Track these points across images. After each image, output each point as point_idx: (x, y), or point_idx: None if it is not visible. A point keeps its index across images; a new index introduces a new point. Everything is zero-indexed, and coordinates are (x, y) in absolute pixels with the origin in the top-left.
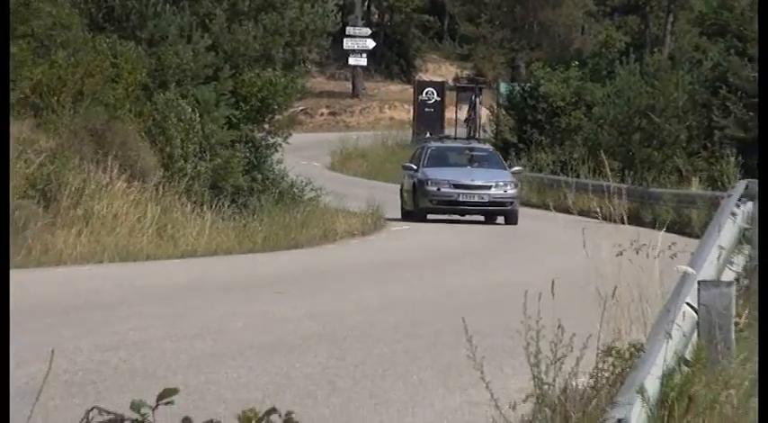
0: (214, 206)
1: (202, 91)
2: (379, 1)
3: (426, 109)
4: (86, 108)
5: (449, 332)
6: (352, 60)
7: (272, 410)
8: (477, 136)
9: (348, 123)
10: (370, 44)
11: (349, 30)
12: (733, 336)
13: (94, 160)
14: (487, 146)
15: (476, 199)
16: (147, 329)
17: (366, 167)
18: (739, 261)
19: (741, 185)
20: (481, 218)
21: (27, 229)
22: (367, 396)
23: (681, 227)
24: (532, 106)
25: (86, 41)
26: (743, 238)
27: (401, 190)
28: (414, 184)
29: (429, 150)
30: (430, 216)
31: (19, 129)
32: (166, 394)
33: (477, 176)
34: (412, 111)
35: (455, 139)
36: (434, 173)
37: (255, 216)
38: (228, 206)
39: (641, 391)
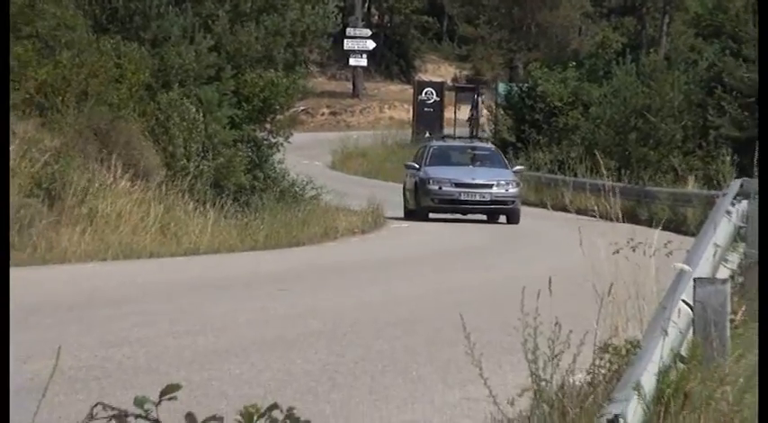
0: (216, 204)
1: (206, 91)
2: (379, 2)
3: (426, 109)
4: (90, 108)
5: (448, 329)
6: (352, 61)
7: (274, 406)
8: (478, 135)
9: (348, 123)
10: (371, 45)
11: (349, 31)
12: (728, 333)
13: (98, 159)
14: (490, 145)
15: (477, 198)
16: (150, 326)
17: (366, 166)
18: (734, 259)
19: (736, 184)
20: (482, 217)
21: (32, 227)
22: (367, 392)
23: (677, 225)
24: (530, 106)
25: (90, 42)
26: (738, 236)
27: (404, 189)
28: (416, 182)
29: (431, 149)
30: (432, 215)
31: (24, 128)
32: (169, 390)
33: (478, 175)
34: (411, 110)
35: (458, 138)
36: (436, 172)
37: (257, 214)
38: (231, 204)
39: (638, 387)
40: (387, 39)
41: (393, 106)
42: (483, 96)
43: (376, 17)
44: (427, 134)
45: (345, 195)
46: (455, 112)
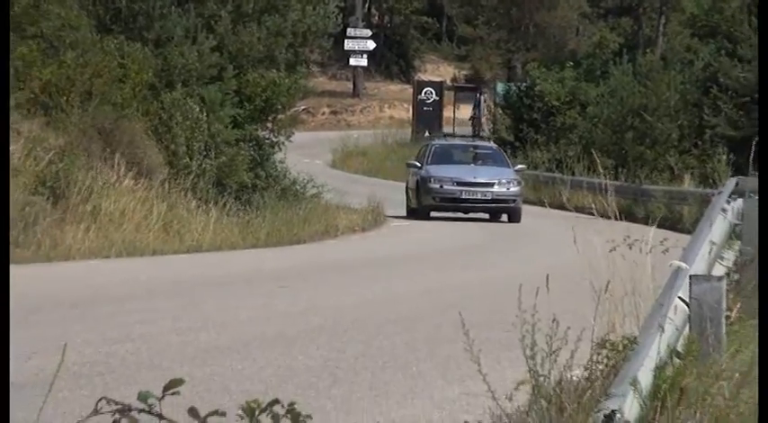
0: (219, 203)
1: (209, 91)
2: (379, 3)
3: (425, 108)
4: (94, 107)
5: (447, 325)
6: (352, 61)
7: (275, 401)
8: (481, 134)
9: (349, 122)
10: (371, 45)
11: (350, 31)
12: (724, 329)
13: (102, 158)
14: (492, 144)
15: (478, 196)
16: (153, 322)
17: (366, 165)
18: (730, 256)
19: (731, 182)
20: (483, 215)
21: (37, 225)
22: (367, 387)
23: (672, 223)
24: (528, 105)
25: (94, 42)
26: (733, 233)
27: (406, 187)
28: (417, 181)
29: (433, 148)
30: (433, 213)
31: (29, 127)
32: (172, 385)
33: (480, 174)
34: (411, 110)
35: (460, 136)
36: (438, 170)
37: (259, 212)
38: (233, 203)
39: (634, 383)
40: (387, 39)
41: (393, 106)
42: (486, 95)
43: (376, 18)
44: (426, 133)
45: (346, 194)
46: (454, 112)
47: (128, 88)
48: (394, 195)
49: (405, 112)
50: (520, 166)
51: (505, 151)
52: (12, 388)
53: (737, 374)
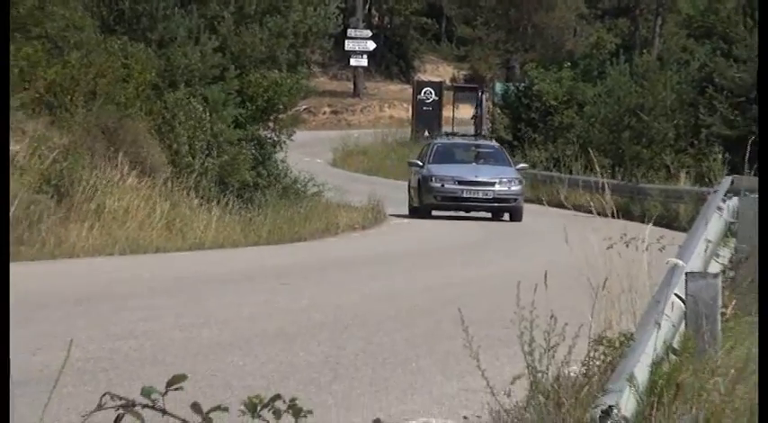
0: (221, 201)
1: (212, 91)
2: (379, 4)
3: (425, 108)
4: (98, 107)
5: (447, 322)
6: (353, 61)
7: (277, 397)
8: (482, 133)
9: (349, 122)
10: (371, 46)
11: (350, 32)
12: (719, 326)
13: (106, 157)
14: (494, 143)
15: (480, 195)
16: (156, 319)
17: (367, 164)
18: (725, 253)
19: (727, 181)
20: (485, 214)
21: (41, 223)
22: (368, 383)
23: (669, 221)
24: (526, 105)
25: (98, 43)
26: (729, 231)
27: (408, 186)
28: (419, 180)
29: (435, 147)
30: (435, 212)
31: (34, 126)
32: (175, 381)
33: (481, 173)
34: (411, 109)
35: (462, 135)
36: (439, 169)
37: (260, 210)
38: (235, 201)
39: (631, 378)
40: (387, 40)
41: (393, 105)
42: (487, 94)
43: (376, 18)
44: (426, 133)
45: (346, 192)
46: (453, 111)
47: (131, 88)
48: (394, 194)
49: (404, 112)
50: (522, 165)
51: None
52: (17, 384)
53: (733, 370)
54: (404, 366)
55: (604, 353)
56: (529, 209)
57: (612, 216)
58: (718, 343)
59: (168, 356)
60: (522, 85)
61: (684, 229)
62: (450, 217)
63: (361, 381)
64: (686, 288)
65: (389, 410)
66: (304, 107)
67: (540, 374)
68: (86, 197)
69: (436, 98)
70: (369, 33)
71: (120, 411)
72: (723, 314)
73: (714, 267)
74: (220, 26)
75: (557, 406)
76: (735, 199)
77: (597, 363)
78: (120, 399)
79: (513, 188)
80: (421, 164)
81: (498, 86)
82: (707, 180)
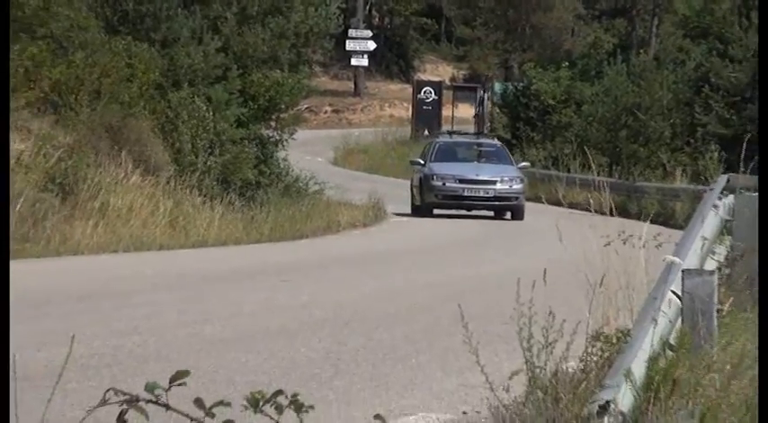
0: (223, 199)
1: (216, 91)
2: (379, 5)
3: (424, 107)
4: (103, 106)
5: (446, 318)
6: (354, 61)
7: (279, 392)
8: (484, 131)
9: (350, 120)
10: (371, 46)
11: (351, 32)
12: (715, 322)
13: (110, 155)
14: (495, 141)
15: (481, 194)
16: (159, 315)
17: (367, 162)
18: (721, 251)
19: (722, 180)
20: (486, 212)
21: (46, 221)
22: (368, 379)
23: (665, 219)
24: (525, 104)
25: (103, 43)
26: (724, 229)
27: (411, 185)
28: (421, 179)
29: (437, 145)
30: (436, 211)
31: (39, 125)
32: (179, 376)
33: (482, 171)
34: (411, 109)
35: (465, 133)
36: (440, 168)
37: (262, 208)
38: (237, 199)
39: (628, 374)
40: (387, 40)
41: (393, 105)
42: (489, 93)
43: (377, 19)
44: (426, 132)
45: (347, 190)
46: (453, 111)
47: (135, 87)
48: (394, 192)
49: (404, 111)
50: (523, 164)
51: None
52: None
53: (728, 366)
54: (404, 362)
55: (602, 349)
56: (528, 207)
57: (610, 214)
58: (714, 339)
59: (171, 352)
60: (521, 84)
61: (681, 227)
62: (450, 214)
63: (361, 376)
64: (683, 285)
65: (390, 406)
66: (305, 106)
67: (538, 370)
68: (91, 195)
69: (436, 97)
70: (369, 33)
71: (124, 406)
72: (719, 311)
73: (710, 264)
74: (223, 27)
75: (555, 401)
76: (730, 197)
77: (595, 358)
78: (124, 394)
79: (514, 187)
80: (423, 162)
81: (497, 86)
82: (703, 178)
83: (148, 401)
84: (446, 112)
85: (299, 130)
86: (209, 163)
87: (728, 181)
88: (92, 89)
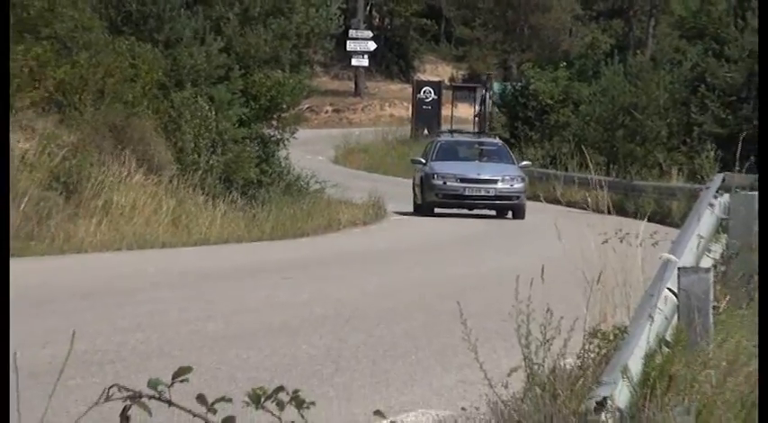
0: (225, 198)
1: (218, 91)
2: (379, 5)
3: (424, 107)
4: (106, 105)
5: (445, 315)
6: (354, 61)
7: (280, 389)
8: (485, 130)
9: (351, 120)
10: (372, 46)
11: (352, 32)
12: (711, 319)
13: (114, 154)
14: (497, 140)
15: (482, 193)
16: (162, 313)
17: (367, 161)
18: (717, 249)
19: (718, 178)
20: (488, 212)
21: (50, 219)
22: (369, 375)
23: (662, 217)
24: (523, 104)
25: (106, 43)
26: (720, 227)
27: (413, 184)
28: (422, 178)
29: (439, 144)
30: (438, 210)
31: (43, 125)
32: (181, 373)
33: (483, 170)
34: (411, 108)
35: (466, 132)
36: (441, 167)
37: (264, 207)
38: (239, 198)
39: (625, 370)
40: (387, 40)
41: (393, 104)
42: (490, 92)
43: (377, 20)
44: (425, 131)
45: (348, 189)
46: (452, 110)
47: (138, 87)
48: (395, 190)
49: (404, 111)
50: (525, 163)
51: None
52: (26, 376)
53: (724, 363)
54: (404, 359)
55: (599, 345)
56: (527, 205)
57: (608, 212)
58: (709, 336)
59: (174, 349)
60: (519, 84)
61: (677, 225)
62: (453, 214)
63: (361, 373)
64: (679, 282)
65: (389, 402)
66: (306, 106)
67: (536, 367)
68: (94, 194)
69: (435, 97)
70: (369, 34)
71: (128, 402)
72: (715, 308)
73: (706, 262)
74: (225, 27)
75: (553, 397)
76: (726, 196)
77: (592, 355)
78: (127, 390)
79: (515, 186)
80: (424, 161)
81: (496, 86)
82: (699, 177)
83: (151, 397)
84: (445, 111)
85: (301, 129)
86: (211, 162)
87: (724, 180)
88: (96, 89)
